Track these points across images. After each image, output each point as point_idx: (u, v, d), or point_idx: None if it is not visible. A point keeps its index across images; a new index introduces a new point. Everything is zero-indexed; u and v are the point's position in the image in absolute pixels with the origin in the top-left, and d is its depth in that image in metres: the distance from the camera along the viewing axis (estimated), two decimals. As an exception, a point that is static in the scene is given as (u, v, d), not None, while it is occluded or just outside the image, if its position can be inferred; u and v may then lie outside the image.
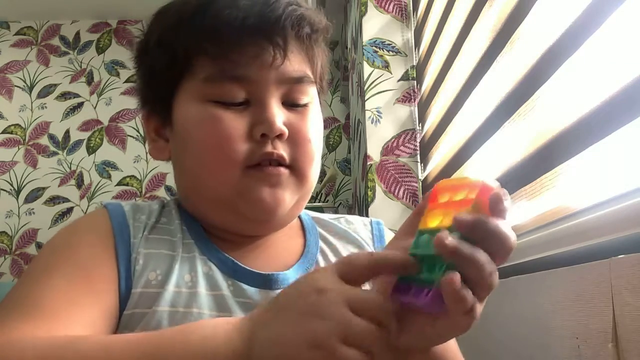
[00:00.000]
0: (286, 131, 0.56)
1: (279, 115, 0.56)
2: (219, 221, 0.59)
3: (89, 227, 0.57)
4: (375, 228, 0.67)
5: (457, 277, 0.36)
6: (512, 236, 0.39)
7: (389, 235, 0.67)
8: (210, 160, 0.56)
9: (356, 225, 0.67)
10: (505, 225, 0.39)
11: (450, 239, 0.36)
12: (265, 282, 0.56)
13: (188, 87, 0.57)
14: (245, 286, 0.55)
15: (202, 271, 0.55)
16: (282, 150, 0.56)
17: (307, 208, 0.68)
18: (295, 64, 0.57)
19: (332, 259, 0.61)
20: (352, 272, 0.40)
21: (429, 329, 0.39)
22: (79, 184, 2.87)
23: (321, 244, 0.63)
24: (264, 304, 0.43)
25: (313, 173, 0.60)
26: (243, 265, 0.57)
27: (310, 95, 0.60)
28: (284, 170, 0.56)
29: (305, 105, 0.59)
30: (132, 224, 0.57)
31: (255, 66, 0.55)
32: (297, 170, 0.57)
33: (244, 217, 0.57)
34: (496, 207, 0.39)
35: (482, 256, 0.37)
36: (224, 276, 0.56)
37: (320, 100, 0.64)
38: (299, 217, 0.66)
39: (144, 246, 0.55)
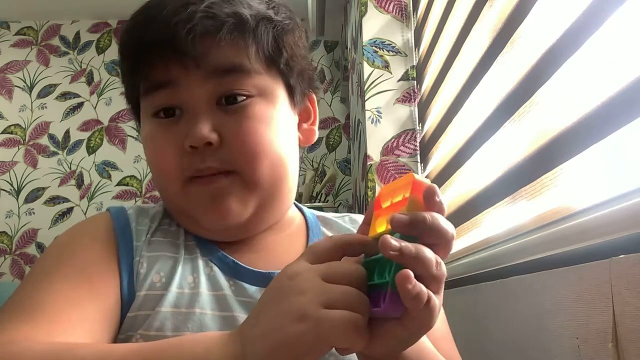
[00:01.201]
0: (214, 138, 0.53)
1: (204, 123, 0.53)
2: (192, 230, 0.59)
3: (91, 231, 0.57)
4: None
5: (409, 274, 0.36)
6: (450, 227, 0.40)
7: None
8: (157, 175, 0.58)
9: (359, 223, 0.66)
10: (442, 217, 0.40)
11: (394, 242, 0.37)
12: (266, 280, 0.55)
13: (141, 109, 0.59)
14: (246, 285, 0.55)
15: (204, 272, 0.56)
16: (213, 160, 0.53)
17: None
18: (216, 58, 0.54)
19: None
20: (319, 256, 0.42)
21: (400, 331, 0.40)
22: (79, 184, 2.87)
23: None
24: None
25: (265, 173, 0.55)
26: (244, 265, 0.57)
27: (253, 87, 0.56)
28: (222, 178, 0.54)
29: (243, 101, 0.55)
30: (134, 227, 0.57)
31: (172, 73, 0.54)
32: (241, 175, 0.55)
33: (206, 227, 0.57)
34: (431, 202, 0.40)
35: (426, 252, 0.38)
36: (226, 276, 0.56)
37: (292, 87, 0.60)
38: (304, 217, 0.66)
39: (147, 249, 0.56)
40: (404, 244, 0.37)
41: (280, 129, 0.57)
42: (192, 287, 0.54)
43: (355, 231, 0.65)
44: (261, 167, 0.55)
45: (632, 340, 0.45)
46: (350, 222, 0.67)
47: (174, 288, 0.53)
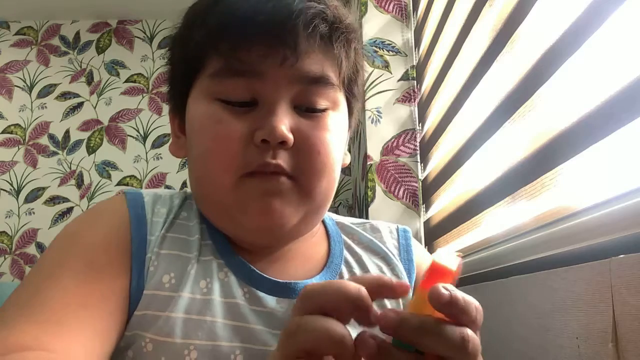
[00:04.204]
0: (291, 138, 0.51)
1: (284, 120, 0.51)
2: (223, 228, 0.56)
3: (105, 220, 0.54)
4: (402, 236, 0.65)
5: None
6: (457, 337, 0.33)
7: (415, 245, 0.65)
8: (208, 163, 0.53)
9: (382, 233, 0.64)
10: (449, 327, 0.33)
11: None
12: (284, 290, 0.54)
13: (199, 85, 0.54)
14: (262, 294, 0.53)
15: (217, 277, 0.53)
16: (283, 160, 0.51)
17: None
18: (311, 63, 0.52)
19: (357, 269, 0.59)
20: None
21: None
22: (79, 184, 2.86)
23: (345, 253, 0.61)
24: None
25: (323, 188, 0.54)
26: (261, 273, 0.54)
27: (331, 100, 0.55)
28: (284, 180, 0.51)
29: (322, 110, 0.54)
30: (150, 219, 0.55)
31: (264, 64, 0.51)
32: (301, 183, 0.52)
33: (245, 228, 0.54)
34: (436, 305, 0.33)
35: None
36: (240, 283, 0.53)
37: (352, 109, 0.59)
38: (323, 223, 0.64)
39: (160, 246, 0.53)
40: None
41: (341, 147, 0.56)
42: (204, 293, 0.52)
43: (376, 241, 0.62)
44: (322, 181, 0.54)
45: (632, 340, 0.45)
46: (371, 232, 0.64)
47: (185, 293, 0.51)
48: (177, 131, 0.61)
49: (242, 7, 0.51)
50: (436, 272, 0.35)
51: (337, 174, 0.56)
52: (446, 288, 0.34)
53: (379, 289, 0.37)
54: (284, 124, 0.51)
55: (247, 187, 0.51)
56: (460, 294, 0.34)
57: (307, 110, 0.53)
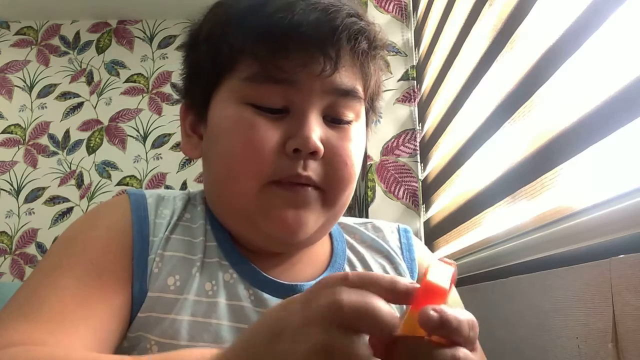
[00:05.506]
0: (322, 149, 0.51)
1: (316, 130, 0.51)
2: (240, 232, 0.56)
3: (107, 221, 0.54)
4: (403, 236, 0.66)
5: None
6: (448, 359, 0.32)
7: (417, 244, 0.65)
8: (235, 166, 0.53)
9: (384, 232, 0.65)
10: (439, 350, 0.32)
11: None
12: (289, 292, 0.53)
13: (228, 86, 0.54)
14: (267, 296, 0.53)
15: (223, 279, 0.53)
16: (312, 171, 0.52)
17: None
18: (345, 76, 0.53)
19: (360, 269, 0.60)
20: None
21: None
22: (79, 184, 2.86)
23: (348, 252, 0.61)
24: (236, 339, 0.38)
25: (345, 198, 0.55)
26: (265, 275, 0.55)
27: (356, 112, 0.56)
28: (311, 191, 0.52)
29: (348, 122, 0.55)
30: (152, 220, 0.55)
31: (301, 73, 0.51)
32: (327, 193, 0.53)
33: (264, 234, 0.54)
34: (427, 328, 0.32)
35: None
36: (245, 285, 0.54)
37: (369, 122, 0.61)
38: None
39: (164, 247, 0.53)
40: None
41: (361, 158, 0.57)
42: (209, 296, 0.52)
43: (379, 240, 0.63)
44: (345, 192, 0.55)
45: (632, 340, 0.45)
46: (373, 231, 0.65)
47: (191, 295, 0.51)
48: (188, 129, 0.60)
49: (285, 15, 0.51)
50: (428, 291, 0.33)
51: (355, 183, 0.57)
52: (436, 310, 0.32)
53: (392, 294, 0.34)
54: (317, 134, 0.51)
55: (272, 195, 0.52)
56: (452, 314, 0.33)
57: (332, 120, 0.54)
